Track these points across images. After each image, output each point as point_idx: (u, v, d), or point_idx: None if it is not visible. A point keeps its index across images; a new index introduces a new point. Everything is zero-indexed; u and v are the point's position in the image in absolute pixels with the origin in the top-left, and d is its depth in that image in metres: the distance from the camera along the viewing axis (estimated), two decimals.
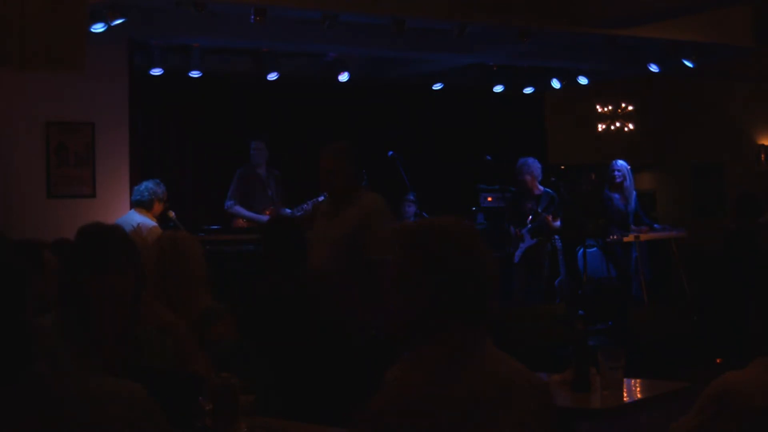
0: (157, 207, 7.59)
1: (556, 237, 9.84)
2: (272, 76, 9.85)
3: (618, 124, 12.85)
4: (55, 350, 2.86)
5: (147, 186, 7.58)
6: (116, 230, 3.12)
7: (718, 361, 7.92)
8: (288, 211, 9.10)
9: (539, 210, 9.59)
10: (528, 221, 9.53)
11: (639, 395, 4.25)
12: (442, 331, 2.11)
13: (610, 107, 12.88)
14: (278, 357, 4.07)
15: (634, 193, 9.92)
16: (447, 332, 2.10)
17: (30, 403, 1.69)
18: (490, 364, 2.11)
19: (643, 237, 9.62)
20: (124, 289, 2.97)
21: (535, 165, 9.71)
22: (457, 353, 2.09)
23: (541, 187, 9.72)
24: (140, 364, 2.99)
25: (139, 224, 7.35)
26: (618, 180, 9.80)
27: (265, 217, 8.89)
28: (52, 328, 2.94)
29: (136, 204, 7.57)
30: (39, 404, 1.70)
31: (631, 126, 12.82)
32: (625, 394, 4.08)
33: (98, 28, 7.50)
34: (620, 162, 9.92)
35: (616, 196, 9.82)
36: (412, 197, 9.99)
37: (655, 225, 9.98)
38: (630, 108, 12.81)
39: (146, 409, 1.81)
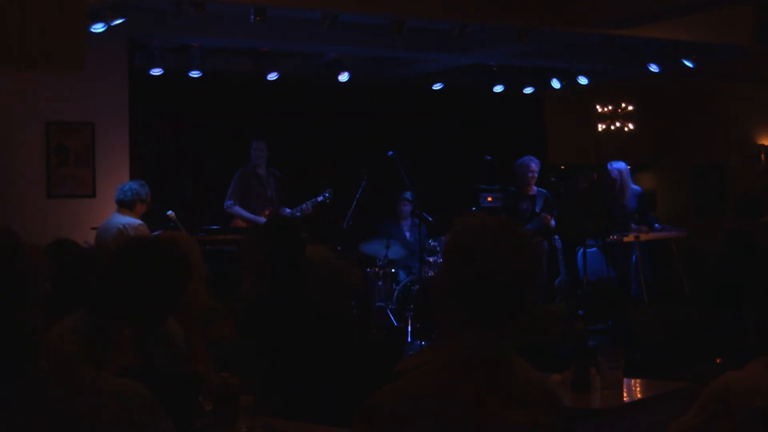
0: (140, 208, 7.48)
1: (556, 237, 9.85)
2: (272, 76, 9.85)
3: (618, 124, 12.86)
4: (70, 351, 2.86)
5: (131, 186, 7.47)
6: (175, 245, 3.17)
7: (718, 361, 7.92)
8: (288, 210, 9.11)
9: (536, 210, 9.60)
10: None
11: (639, 395, 4.25)
12: (462, 328, 2.11)
13: (610, 107, 12.89)
14: (278, 357, 4.07)
15: (636, 191, 9.89)
16: (466, 331, 2.10)
17: (31, 400, 1.69)
18: (504, 369, 2.11)
19: (643, 237, 9.61)
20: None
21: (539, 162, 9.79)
22: (472, 354, 2.08)
23: (535, 188, 9.73)
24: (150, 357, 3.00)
25: (125, 225, 7.24)
26: (615, 182, 9.79)
27: (262, 219, 8.89)
28: (69, 329, 2.93)
29: (119, 203, 7.44)
30: (40, 402, 1.69)
31: (631, 126, 12.82)
32: (625, 394, 4.08)
33: (98, 28, 7.50)
34: (614, 164, 9.88)
35: (609, 198, 9.82)
36: (408, 196, 9.99)
37: (656, 225, 9.97)
38: (630, 108, 12.82)
39: (148, 408, 1.81)
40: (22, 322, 1.73)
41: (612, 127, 12.88)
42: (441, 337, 2.18)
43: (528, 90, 11.51)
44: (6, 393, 1.68)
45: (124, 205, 7.40)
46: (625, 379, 4.11)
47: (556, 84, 11.10)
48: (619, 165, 9.84)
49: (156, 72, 9.24)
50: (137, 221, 7.35)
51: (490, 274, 2.08)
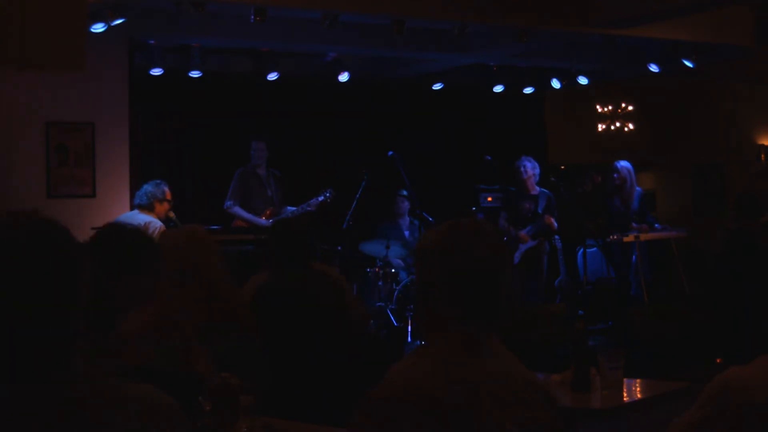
0: (159, 208, 7.55)
1: (557, 237, 9.85)
2: (272, 76, 9.84)
3: (618, 124, 12.85)
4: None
5: (145, 189, 7.58)
6: (139, 231, 3.14)
7: (718, 360, 7.91)
8: (291, 209, 9.11)
9: (539, 211, 9.58)
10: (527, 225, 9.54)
11: (639, 395, 4.26)
12: (451, 327, 2.13)
13: (610, 107, 12.88)
14: (278, 356, 4.07)
15: (638, 192, 9.88)
16: (456, 329, 2.12)
17: (52, 403, 1.67)
18: (497, 364, 2.12)
19: (643, 237, 9.61)
20: (152, 290, 3.00)
21: (536, 163, 9.78)
22: (463, 350, 2.10)
23: (537, 188, 9.72)
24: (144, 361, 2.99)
25: (146, 223, 7.26)
26: (618, 181, 9.79)
27: (262, 220, 8.89)
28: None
29: (138, 207, 7.57)
30: (61, 405, 1.67)
31: (631, 126, 12.82)
32: (625, 394, 4.09)
33: (98, 28, 7.50)
34: (622, 162, 9.90)
35: (617, 196, 9.81)
36: (404, 192, 9.98)
37: (656, 225, 9.97)
38: (630, 108, 12.81)
39: (170, 416, 1.78)
40: (67, 320, 1.72)
41: (612, 127, 12.87)
42: (430, 338, 2.20)
43: (528, 90, 11.51)
44: (31, 393, 1.66)
45: (143, 208, 7.50)
46: (625, 379, 4.11)
47: (556, 84, 11.10)
48: (627, 164, 9.85)
49: (156, 72, 9.24)
50: (159, 222, 7.42)
51: (471, 269, 2.13)
